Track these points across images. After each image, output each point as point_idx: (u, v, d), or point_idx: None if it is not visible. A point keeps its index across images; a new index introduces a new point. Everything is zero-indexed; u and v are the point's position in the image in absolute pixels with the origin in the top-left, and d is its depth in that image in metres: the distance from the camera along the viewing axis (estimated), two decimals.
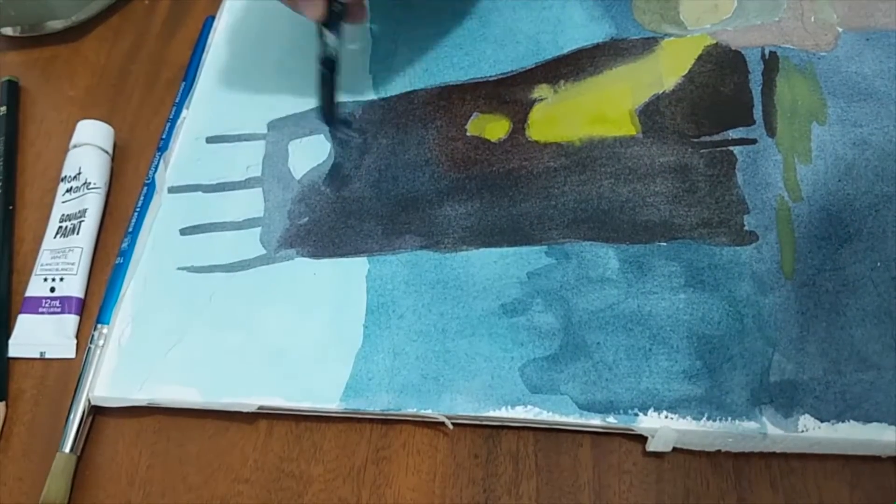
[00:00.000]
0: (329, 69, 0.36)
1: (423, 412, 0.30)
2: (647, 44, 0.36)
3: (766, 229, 0.31)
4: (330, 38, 0.35)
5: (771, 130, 0.33)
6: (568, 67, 0.37)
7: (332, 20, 0.34)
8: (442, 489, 0.29)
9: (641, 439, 0.28)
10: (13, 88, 0.45)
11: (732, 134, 0.33)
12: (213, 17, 0.45)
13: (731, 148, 0.33)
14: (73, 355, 0.36)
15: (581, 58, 0.37)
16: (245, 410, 0.31)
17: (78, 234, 0.38)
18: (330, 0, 0.33)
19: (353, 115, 0.38)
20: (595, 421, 0.28)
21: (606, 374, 0.29)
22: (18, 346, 0.36)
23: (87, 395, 0.33)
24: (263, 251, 0.35)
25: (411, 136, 0.37)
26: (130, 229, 0.38)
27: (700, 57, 0.35)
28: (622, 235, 0.32)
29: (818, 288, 0.29)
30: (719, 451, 0.28)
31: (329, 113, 0.37)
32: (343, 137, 0.38)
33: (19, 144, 0.44)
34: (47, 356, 0.36)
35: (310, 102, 0.39)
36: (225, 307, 0.34)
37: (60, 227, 0.39)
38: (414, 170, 0.36)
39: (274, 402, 0.31)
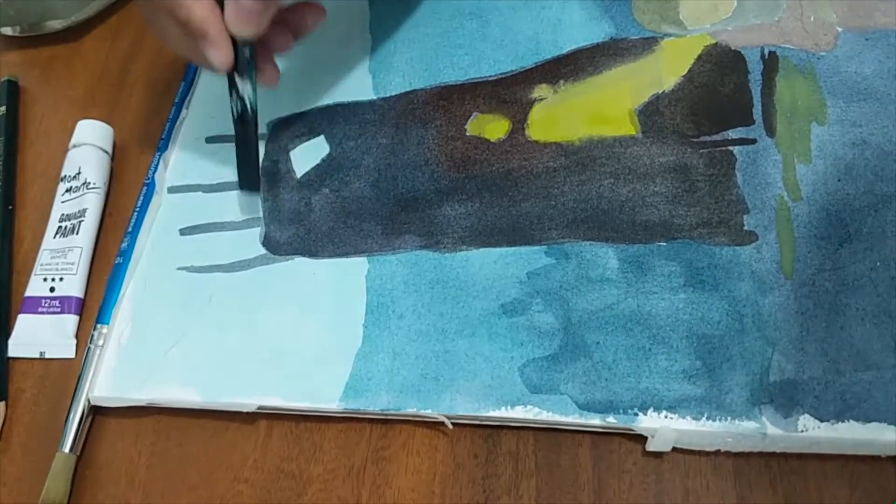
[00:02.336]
0: (246, 125, 0.33)
1: (422, 412, 0.30)
2: (647, 44, 0.36)
3: (765, 229, 0.31)
4: (243, 88, 0.31)
5: (770, 130, 0.33)
6: (568, 67, 0.37)
7: (242, 68, 0.31)
8: (442, 489, 0.29)
9: (641, 439, 0.28)
10: (13, 88, 0.45)
11: (732, 134, 0.33)
12: None
13: (730, 148, 0.33)
14: (72, 355, 0.36)
15: (581, 58, 0.37)
16: (245, 410, 0.31)
17: (78, 234, 0.38)
18: (237, 46, 0.30)
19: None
20: (595, 421, 0.28)
21: (606, 373, 0.29)
22: (18, 345, 0.36)
23: (87, 395, 0.33)
24: (263, 251, 0.35)
25: (411, 136, 0.37)
26: (130, 229, 0.38)
27: (700, 57, 0.35)
28: (622, 235, 0.32)
29: (818, 288, 0.29)
30: (719, 451, 0.28)
31: (251, 178, 0.34)
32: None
33: (19, 144, 0.44)
34: (47, 356, 0.36)
35: (310, 102, 0.39)
36: (225, 307, 0.34)
37: (60, 227, 0.39)
38: (414, 170, 0.36)
39: (274, 402, 0.31)
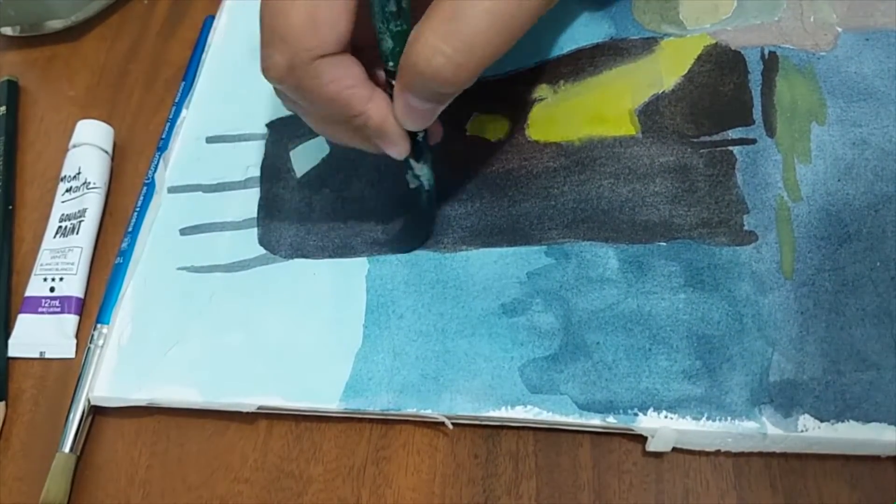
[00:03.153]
0: (421, 197, 0.32)
1: (423, 412, 0.30)
2: (647, 44, 0.36)
3: (765, 229, 0.31)
4: (419, 169, 0.30)
5: (770, 130, 0.33)
6: (568, 67, 0.37)
7: (418, 153, 0.30)
8: (442, 489, 0.29)
9: (641, 439, 0.28)
10: (13, 88, 0.45)
11: (732, 134, 0.33)
12: (213, 17, 0.45)
13: (730, 148, 0.33)
14: (72, 355, 0.36)
15: (581, 58, 0.37)
16: (245, 410, 0.31)
17: (78, 233, 0.38)
18: (412, 134, 0.29)
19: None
20: (595, 421, 0.28)
21: (606, 374, 0.29)
22: (18, 345, 0.36)
23: (87, 395, 0.33)
24: (263, 251, 0.35)
25: None
26: (130, 229, 0.38)
27: (700, 57, 0.35)
28: (622, 235, 0.32)
29: (818, 288, 0.29)
30: (719, 451, 0.28)
31: (412, 239, 0.34)
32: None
33: (19, 144, 0.44)
34: (47, 356, 0.36)
35: None
36: (225, 307, 0.34)
37: (60, 226, 0.39)
38: None
39: (274, 401, 0.31)
